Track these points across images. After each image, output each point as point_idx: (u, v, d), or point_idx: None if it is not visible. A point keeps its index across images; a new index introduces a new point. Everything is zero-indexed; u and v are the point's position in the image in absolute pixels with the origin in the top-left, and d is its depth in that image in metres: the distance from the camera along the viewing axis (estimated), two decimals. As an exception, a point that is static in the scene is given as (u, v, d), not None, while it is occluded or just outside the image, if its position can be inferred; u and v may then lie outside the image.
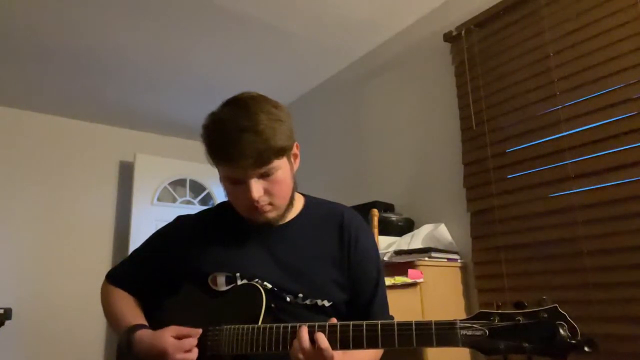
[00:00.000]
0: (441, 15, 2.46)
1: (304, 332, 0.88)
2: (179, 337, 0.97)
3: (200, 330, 0.98)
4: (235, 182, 1.02)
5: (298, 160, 1.12)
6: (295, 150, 1.09)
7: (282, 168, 1.03)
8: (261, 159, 0.97)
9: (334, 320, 0.90)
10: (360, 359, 1.03)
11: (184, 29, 2.66)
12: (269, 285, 1.04)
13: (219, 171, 1.04)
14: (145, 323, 1.07)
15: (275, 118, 1.00)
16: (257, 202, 1.01)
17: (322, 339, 0.86)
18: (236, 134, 0.96)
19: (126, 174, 3.97)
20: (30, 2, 2.36)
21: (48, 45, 2.75)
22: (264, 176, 1.00)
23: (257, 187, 1.00)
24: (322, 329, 0.88)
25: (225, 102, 1.05)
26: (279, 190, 1.04)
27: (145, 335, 1.00)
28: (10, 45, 2.72)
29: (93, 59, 2.93)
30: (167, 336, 0.96)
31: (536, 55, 1.95)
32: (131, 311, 1.12)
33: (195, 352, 0.96)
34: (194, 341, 0.97)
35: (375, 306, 1.09)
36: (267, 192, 1.02)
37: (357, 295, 1.09)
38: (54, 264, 3.56)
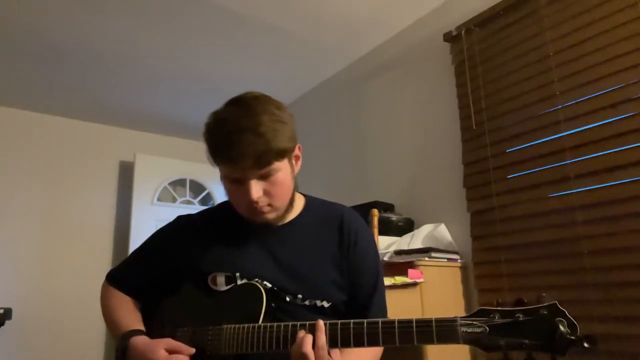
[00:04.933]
0: (441, 15, 2.47)
1: (321, 330, 0.88)
2: (171, 351, 0.96)
3: (193, 350, 0.98)
4: (235, 182, 1.02)
5: (300, 162, 1.12)
6: (297, 151, 1.09)
7: (283, 170, 1.02)
8: (261, 160, 0.97)
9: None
10: (360, 358, 1.03)
11: (184, 29, 2.66)
12: (269, 285, 1.04)
13: (219, 170, 1.04)
14: (142, 328, 1.07)
15: (277, 119, 0.99)
16: (256, 202, 1.01)
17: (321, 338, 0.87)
18: (237, 134, 0.96)
19: (126, 174, 3.97)
20: (31, 3, 2.36)
21: (48, 46, 2.76)
22: (264, 177, 1.00)
23: (256, 188, 0.99)
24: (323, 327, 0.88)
25: (229, 101, 1.05)
26: (279, 192, 1.03)
27: (139, 342, 1.00)
28: (11, 45, 2.73)
29: (93, 59, 2.93)
30: (160, 348, 0.96)
31: (536, 55, 1.95)
32: (129, 316, 1.11)
33: None
34: (184, 358, 0.96)
35: (373, 307, 1.09)
36: (266, 193, 1.01)
37: (356, 296, 1.09)
38: (54, 264, 3.56)
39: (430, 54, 2.50)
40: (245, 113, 0.98)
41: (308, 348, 0.86)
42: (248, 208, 1.04)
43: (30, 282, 3.44)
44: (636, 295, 1.55)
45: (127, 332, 1.03)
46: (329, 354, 0.87)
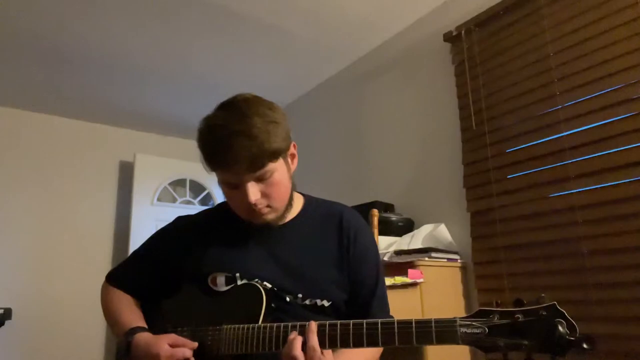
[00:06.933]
0: (441, 15, 2.46)
1: (313, 332, 0.88)
2: (174, 346, 0.96)
3: (196, 344, 0.98)
4: (232, 187, 1.02)
5: (296, 160, 1.12)
6: (292, 150, 1.09)
7: (279, 170, 1.02)
8: (255, 163, 0.97)
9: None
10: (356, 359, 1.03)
11: (184, 29, 2.66)
12: (269, 285, 1.04)
13: (216, 175, 1.04)
14: (145, 325, 1.07)
15: (269, 120, 0.99)
16: (255, 205, 1.01)
17: (312, 338, 0.87)
18: (229, 138, 0.95)
19: (126, 174, 3.97)
20: (31, 3, 2.36)
21: (48, 46, 2.76)
22: (261, 179, 1.00)
23: (253, 191, 0.99)
24: (322, 327, 0.88)
25: (219, 105, 1.04)
26: (277, 193, 1.03)
27: (142, 339, 1.00)
28: (11, 45, 2.73)
29: (93, 59, 2.93)
30: (163, 343, 0.96)
31: (536, 55, 1.95)
32: (130, 313, 1.11)
33: None
34: (188, 352, 0.96)
35: (374, 306, 1.09)
36: (264, 194, 1.01)
37: (356, 295, 1.09)
38: (54, 264, 3.56)
39: (430, 54, 2.50)
40: (237, 117, 0.98)
41: (297, 350, 0.86)
42: (247, 211, 1.04)
43: (30, 282, 3.44)
44: (636, 295, 1.55)
45: (130, 330, 1.03)
46: (322, 354, 0.87)
